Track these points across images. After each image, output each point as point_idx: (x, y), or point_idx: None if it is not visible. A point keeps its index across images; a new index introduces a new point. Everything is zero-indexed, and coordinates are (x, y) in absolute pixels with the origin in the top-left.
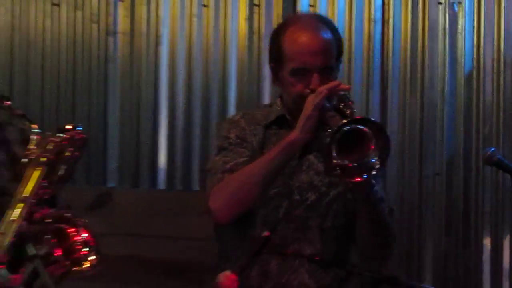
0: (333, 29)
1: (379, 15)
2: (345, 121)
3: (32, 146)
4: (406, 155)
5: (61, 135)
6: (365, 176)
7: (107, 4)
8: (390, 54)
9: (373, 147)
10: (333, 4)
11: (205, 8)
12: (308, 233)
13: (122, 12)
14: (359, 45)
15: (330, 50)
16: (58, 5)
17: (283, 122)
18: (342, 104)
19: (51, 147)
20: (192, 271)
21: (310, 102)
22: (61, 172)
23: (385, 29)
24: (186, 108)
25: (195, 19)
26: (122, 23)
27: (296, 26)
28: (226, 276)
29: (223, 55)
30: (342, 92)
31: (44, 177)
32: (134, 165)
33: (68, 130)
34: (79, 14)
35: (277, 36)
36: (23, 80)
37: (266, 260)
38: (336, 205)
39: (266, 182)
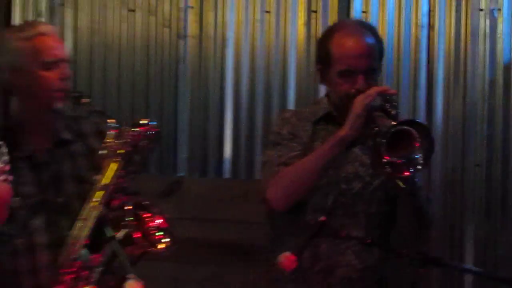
0: (376, 34)
1: (425, 20)
2: (394, 123)
3: (109, 139)
4: (449, 148)
5: (136, 129)
6: (412, 171)
7: (178, 10)
8: (436, 57)
9: (418, 145)
10: (383, 11)
11: (267, 14)
12: (355, 218)
13: (191, 17)
14: (407, 49)
15: (373, 53)
16: (133, 11)
17: (330, 118)
18: (387, 104)
19: (127, 140)
20: (254, 252)
21: (360, 102)
22: (136, 162)
23: (431, 34)
24: (249, 105)
25: (258, 24)
26: (192, 27)
27: (342, 31)
28: (286, 257)
29: (283, 57)
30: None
31: (122, 167)
32: (202, 156)
33: (143, 124)
34: (152, 19)
35: (325, 40)
36: (101, 80)
37: (317, 243)
38: (379, 193)
39: (318, 174)
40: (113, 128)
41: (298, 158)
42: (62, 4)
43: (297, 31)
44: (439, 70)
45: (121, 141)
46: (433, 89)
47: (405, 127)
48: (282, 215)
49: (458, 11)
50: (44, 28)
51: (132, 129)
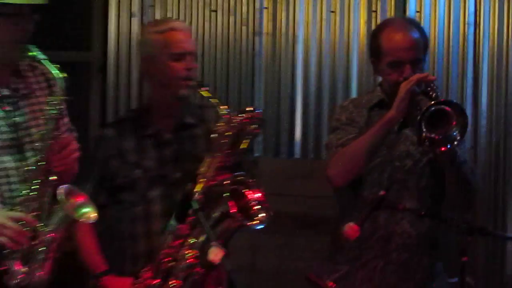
0: (420, 30)
1: (472, 19)
2: (432, 102)
3: (221, 123)
4: (493, 131)
5: (243, 115)
6: (449, 146)
7: (255, 10)
8: (481, 52)
9: (454, 123)
10: (435, 11)
11: (332, 13)
12: (408, 192)
13: (266, 16)
14: (456, 45)
15: (418, 46)
16: (215, 11)
17: (383, 105)
18: (429, 88)
19: (235, 125)
20: (322, 223)
21: (403, 87)
22: (243, 144)
23: (477, 31)
24: (317, 94)
25: (324, 23)
26: (266, 26)
27: (391, 27)
28: (350, 227)
29: (347, 52)
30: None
31: (229, 147)
32: (275, 139)
33: (249, 111)
34: (232, 18)
35: (376, 36)
36: None
37: (376, 214)
38: (428, 169)
39: (371, 152)
40: (225, 113)
41: (354, 140)
42: (152, 5)
43: (359, 29)
44: (484, 64)
45: (230, 125)
46: (479, 81)
47: (442, 106)
48: (346, 190)
49: (500, 10)
50: (175, 24)
51: (239, 115)
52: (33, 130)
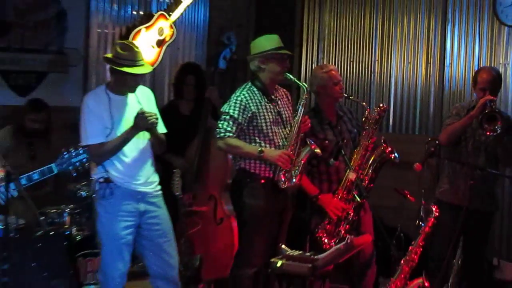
0: (497, 73)
1: None
2: (487, 111)
3: (366, 114)
4: None
5: (378, 108)
6: (493, 133)
7: None
8: None
9: (499, 123)
10: None
11: None
12: (480, 155)
13: None
14: None
15: (494, 83)
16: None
17: (473, 108)
18: (492, 104)
19: (375, 116)
20: None
21: (480, 102)
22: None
23: None
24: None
25: None
26: None
27: (482, 70)
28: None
29: None
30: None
31: (374, 125)
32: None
33: (380, 106)
34: None
35: (475, 73)
36: None
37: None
38: (492, 144)
39: (461, 131)
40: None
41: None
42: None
43: None
44: None
45: (372, 115)
46: None
47: (493, 113)
48: (448, 152)
49: None
50: (331, 67)
51: (377, 108)
52: (285, 114)
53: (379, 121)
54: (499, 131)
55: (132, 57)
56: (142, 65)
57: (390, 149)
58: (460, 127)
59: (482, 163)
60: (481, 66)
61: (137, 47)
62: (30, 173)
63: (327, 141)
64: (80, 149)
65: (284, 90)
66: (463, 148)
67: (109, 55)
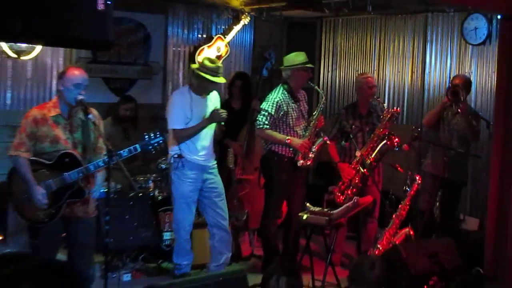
0: (464, 79)
1: None
2: (452, 89)
3: (385, 112)
4: None
5: (390, 110)
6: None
7: None
8: None
9: (461, 95)
10: None
11: None
12: (453, 139)
13: None
14: None
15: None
16: None
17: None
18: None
19: (389, 115)
20: None
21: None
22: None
23: None
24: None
25: None
26: None
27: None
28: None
29: None
30: None
31: (388, 120)
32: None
33: (393, 110)
34: None
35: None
36: None
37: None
38: (461, 130)
39: (438, 113)
40: (384, 107)
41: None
42: None
43: None
44: None
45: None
46: None
47: (456, 88)
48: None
49: None
50: (369, 75)
51: (392, 109)
52: (304, 111)
53: (391, 119)
54: (462, 99)
55: (216, 70)
56: (220, 76)
57: (397, 140)
58: (436, 111)
59: (455, 145)
60: (453, 74)
61: (220, 63)
62: (122, 151)
63: (353, 126)
64: (157, 133)
65: (303, 91)
66: (441, 133)
67: (196, 65)
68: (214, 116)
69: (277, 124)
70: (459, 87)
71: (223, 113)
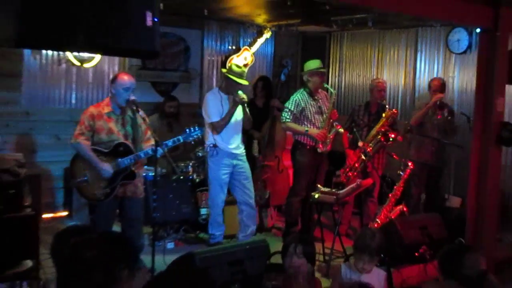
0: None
1: None
2: (438, 103)
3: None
4: None
5: (391, 111)
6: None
7: None
8: None
9: (446, 109)
10: None
11: None
12: (435, 132)
13: None
14: None
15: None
16: None
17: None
18: (441, 99)
19: (391, 115)
20: None
21: (433, 99)
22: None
23: None
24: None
25: None
26: None
27: (434, 79)
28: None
29: None
30: None
31: (388, 118)
32: None
33: (390, 110)
34: None
35: (430, 81)
36: None
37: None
38: (442, 125)
39: (424, 115)
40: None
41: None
42: None
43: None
44: None
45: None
46: None
47: (442, 103)
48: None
49: None
50: (380, 80)
51: (391, 110)
52: (323, 107)
53: (389, 118)
54: (446, 114)
55: (241, 74)
56: (244, 79)
57: (393, 135)
58: (422, 113)
59: (437, 136)
60: (436, 76)
61: (245, 69)
62: (167, 141)
63: (361, 122)
64: (196, 128)
65: (325, 92)
66: (425, 128)
67: (225, 69)
68: (237, 99)
69: (298, 118)
70: (445, 101)
71: (243, 98)
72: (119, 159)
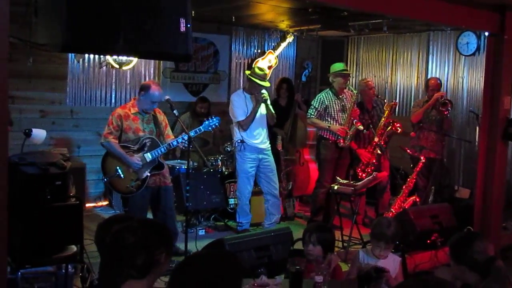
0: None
1: None
2: (441, 100)
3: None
4: None
5: (391, 102)
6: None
7: None
8: None
9: (449, 106)
10: None
11: None
12: (432, 126)
13: None
14: None
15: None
16: None
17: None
18: (444, 97)
19: (390, 108)
20: None
21: (434, 96)
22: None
23: None
24: None
25: None
26: None
27: (431, 79)
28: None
29: None
30: None
31: (389, 112)
32: None
33: (392, 102)
34: None
35: (427, 81)
36: None
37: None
38: (438, 120)
39: (424, 112)
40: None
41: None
42: None
43: None
44: None
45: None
46: None
47: (445, 101)
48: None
49: None
50: (368, 79)
51: (391, 102)
52: (347, 106)
53: (391, 110)
54: (449, 110)
55: (263, 76)
56: (266, 81)
57: (398, 124)
58: (423, 111)
59: (435, 131)
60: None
61: (267, 71)
62: (190, 132)
63: (363, 120)
64: (213, 118)
65: (350, 92)
66: (424, 123)
67: (249, 72)
68: (258, 97)
69: (323, 115)
70: (447, 99)
71: (264, 95)
72: (147, 153)
